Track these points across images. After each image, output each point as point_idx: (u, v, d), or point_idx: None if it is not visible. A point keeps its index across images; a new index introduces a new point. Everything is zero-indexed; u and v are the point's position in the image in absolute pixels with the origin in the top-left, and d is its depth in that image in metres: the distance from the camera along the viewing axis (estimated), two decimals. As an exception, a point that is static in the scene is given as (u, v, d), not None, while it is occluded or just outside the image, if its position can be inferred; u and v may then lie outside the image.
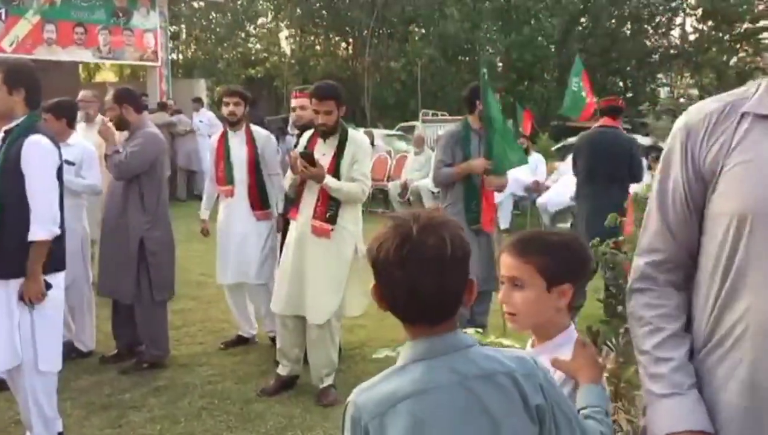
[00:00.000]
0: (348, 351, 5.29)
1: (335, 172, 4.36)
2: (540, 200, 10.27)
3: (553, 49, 26.38)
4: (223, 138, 5.31)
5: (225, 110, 5.27)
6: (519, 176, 10.93)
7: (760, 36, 30.07)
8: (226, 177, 5.24)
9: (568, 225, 8.63)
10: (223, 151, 5.26)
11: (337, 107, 4.38)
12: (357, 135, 4.61)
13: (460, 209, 5.05)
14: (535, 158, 11.42)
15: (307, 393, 4.55)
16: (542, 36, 25.85)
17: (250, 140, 5.23)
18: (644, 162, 9.88)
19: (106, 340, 5.33)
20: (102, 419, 4.20)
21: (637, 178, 5.75)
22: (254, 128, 5.33)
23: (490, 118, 5.06)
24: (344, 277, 4.44)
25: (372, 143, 11.63)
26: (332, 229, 4.36)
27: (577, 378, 1.72)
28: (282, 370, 4.62)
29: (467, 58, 27.81)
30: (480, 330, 2.60)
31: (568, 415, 1.47)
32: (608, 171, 5.71)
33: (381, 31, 28.76)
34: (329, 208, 4.36)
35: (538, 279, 1.73)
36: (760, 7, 28.89)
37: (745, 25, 29.79)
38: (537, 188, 10.76)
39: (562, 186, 10.32)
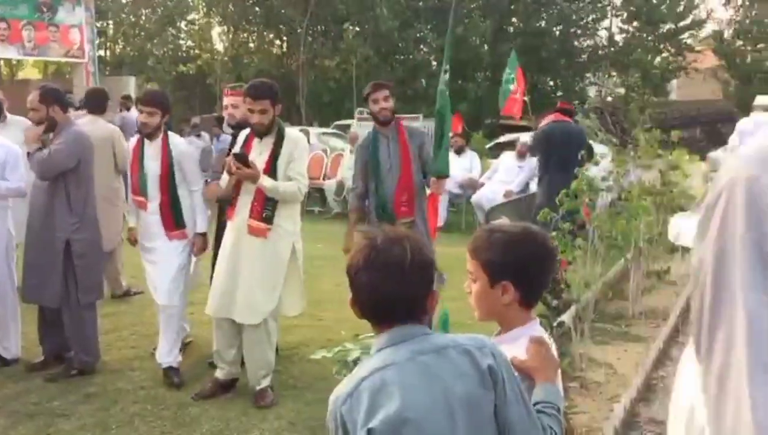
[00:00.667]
0: (285, 352, 5.23)
1: (272, 171, 4.31)
2: (474, 198, 10.40)
3: (485, 49, 26.80)
4: (139, 145, 4.79)
5: (139, 118, 4.79)
6: (454, 174, 11.07)
7: (681, 36, 31.26)
8: (140, 188, 4.76)
9: (503, 222, 8.77)
10: (137, 159, 4.76)
11: (273, 106, 4.32)
12: (294, 134, 4.57)
13: (390, 208, 4.93)
14: (470, 156, 11.57)
15: (244, 395, 4.48)
16: (475, 35, 26.22)
17: (166, 153, 4.68)
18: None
19: (31, 346, 5.13)
20: (28, 428, 4.03)
21: (592, 158, 6.30)
22: (173, 139, 4.79)
23: (443, 122, 4.96)
24: (281, 277, 4.40)
25: (307, 142, 11.54)
26: (269, 229, 4.31)
27: (533, 376, 1.75)
28: (219, 373, 4.54)
29: (402, 57, 27.96)
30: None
31: (514, 384, 1.57)
32: (562, 157, 6.41)
33: (315, 29, 28.62)
34: (266, 207, 4.31)
35: (483, 274, 1.82)
36: (680, 9, 30.04)
37: (668, 26, 30.92)
38: (472, 186, 10.89)
39: (496, 183, 10.50)
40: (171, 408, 4.32)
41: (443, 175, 4.87)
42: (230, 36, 31.37)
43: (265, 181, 4.26)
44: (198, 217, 4.81)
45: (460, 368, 1.54)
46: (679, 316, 5.88)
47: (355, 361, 2.67)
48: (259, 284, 4.33)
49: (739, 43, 31.65)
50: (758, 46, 31.14)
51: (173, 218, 4.73)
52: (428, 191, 5.04)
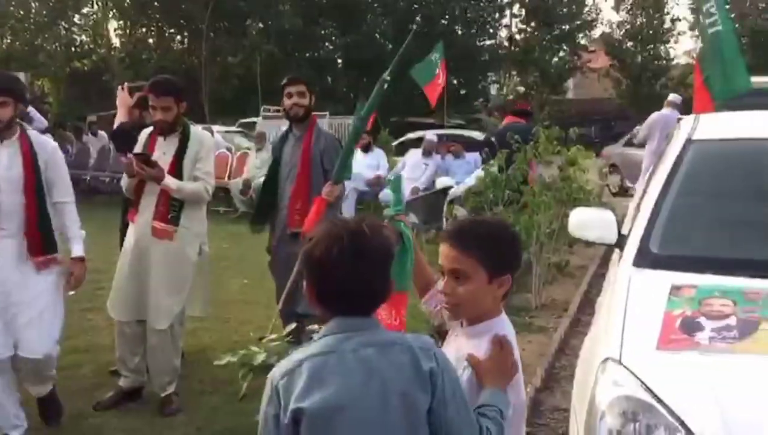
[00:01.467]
0: (192, 356, 5.09)
1: (177, 171, 4.18)
2: (382, 195, 10.45)
3: (390, 48, 27.00)
4: None
5: None
6: (361, 171, 11.10)
7: (576, 37, 32.56)
8: None
9: (410, 219, 8.85)
10: None
11: (177, 103, 4.19)
12: (200, 132, 4.44)
13: (285, 214, 4.61)
14: (377, 153, 11.62)
15: (149, 403, 4.33)
16: (379, 34, 26.39)
17: (29, 155, 3.68)
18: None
19: None
20: None
21: (495, 156, 6.95)
22: (35, 138, 3.79)
23: (360, 127, 4.43)
24: (188, 280, 4.28)
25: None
26: (175, 231, 4.18)
27: (484, 378, 1.76)
28: (123, 382, 4.36)
29: (307, 54, 27.79)
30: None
31: (455, 386, 1.60)
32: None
33: (218, 25, 28.04)
34: (171, 209, 4.17)
35: (481, 270, 1.81)
36: (574, 11, 31.26)
37: (563, 27, 32.14)
38: (379, 183, 10.94)
39: (404, 181, 10.58)
40: (69, 419, 4.11)
41: (340, 180, 4.40)
42: (127, 31, 30.28)
43: (170, 182, 4.13)
44: (73, 237, 3.87)
45: (400, 367, 1.56)
46: (579, 306, 6.11)
47: (261, 366, 2.62)
48: (166, 287, 4.19)
49: (630, 44, 33.25)
50: (648, 47, 32.83)
51: (41, 240, 3.71)
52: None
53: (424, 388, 1.55)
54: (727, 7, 6.20)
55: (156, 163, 4.11)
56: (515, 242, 1.92)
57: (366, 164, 11.29)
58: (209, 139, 4.48)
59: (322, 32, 27.69)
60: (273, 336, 2.93)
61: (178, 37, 30.78)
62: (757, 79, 10.60)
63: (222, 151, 13.13)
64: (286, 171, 4.64)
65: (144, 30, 30.69)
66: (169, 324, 4.20)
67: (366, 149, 11.47)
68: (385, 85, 3.91)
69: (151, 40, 30.64)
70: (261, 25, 27.55)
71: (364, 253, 1.57)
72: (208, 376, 4.69)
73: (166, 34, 30.57)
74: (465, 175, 10.22)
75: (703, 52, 6.55)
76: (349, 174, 4.54)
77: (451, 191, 9.27)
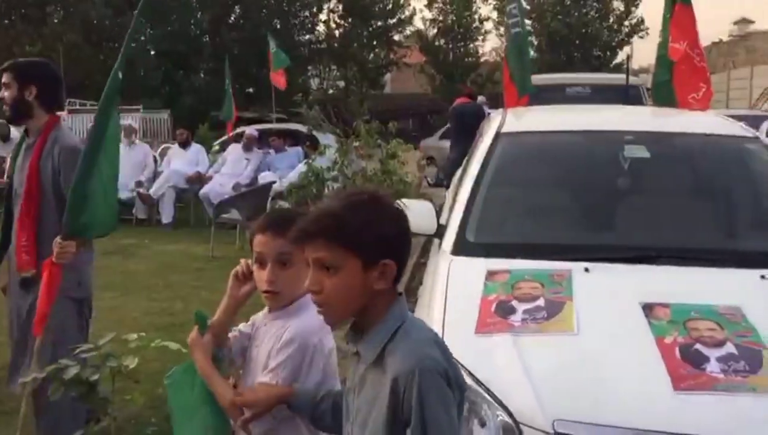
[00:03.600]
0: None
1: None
2: (202, 192, 10.11)
3: (206, 40, 26.22)
4: None
5: None
6: (179, 168, 10.67)
7: (391, 33, 33.49)
8: None
9: (233, 215, 8.64)
10: None
11: None
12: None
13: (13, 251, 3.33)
14: (195, 149, 11.21)
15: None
16: (194, 25, 25.52)
17: None
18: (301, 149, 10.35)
19: None
20: None
21: (317, 149, 7.42)
22: None
23: (96, 150, 2.93)
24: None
25: (8, 136, 10.37)
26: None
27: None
28: None
29: (116, 45, 26.22)
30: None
31: None
32: (467, 128, 7.74)
33: (13, 12, 25.70)
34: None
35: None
36: (389, 7, 32.15)
37: (379, 23, 32.94)
38: (200, 179, 10.57)
39: (224, 176, 10.31)
40: None
41: (75, 233, 2.95)
42: None
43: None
44: None
45: None
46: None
47: (75, 378, 2.41)
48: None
49: (442, 41, 34.76)
50: (459, 44, 34.50)
51: None
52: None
53: None
54: (527, 8, 6.73)
55: None
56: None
57: (185, 160, 10.87)
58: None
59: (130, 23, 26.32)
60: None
61: (-34, 24, 27.83)
62: (550, 76, 11.78)
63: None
64: (16, 193, 3.35)
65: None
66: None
67: (184, 145, 11.04)
68: (120, 75, 2.88)
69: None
70: (62, 12, 25.63)
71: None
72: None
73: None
74: (288, 169, 10.16)
75: (507, 50, 7.01)
76: (100, 230, 3.09)
77: (274, 186, 9.18)
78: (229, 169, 10.51)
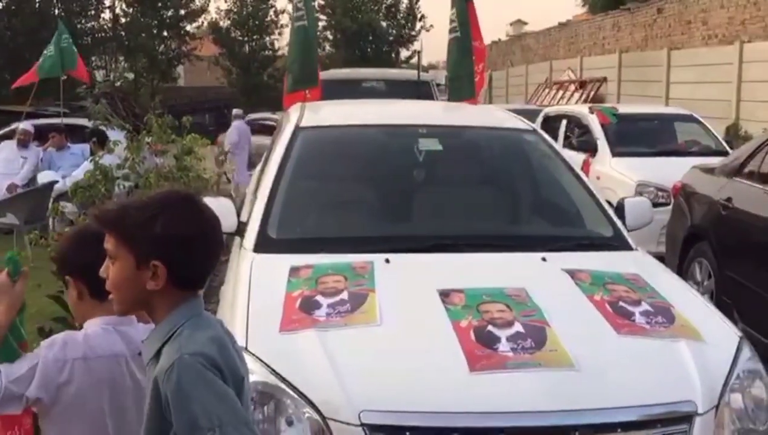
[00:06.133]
0: None
1: None
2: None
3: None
4: None
5: None
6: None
7: (182, 24, 32.25)
8: None
9: (8, 220, 7.84)
10: None
11: None
12: None
13: None
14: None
15: None
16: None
17: None
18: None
19: None
20: None
21: (105, 146, 6.60)
22: None
23: None
24: None
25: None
26: None
27: None
28: None
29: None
30: None
31: None
32: None
33: None
34: None
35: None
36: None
37: (170, 13, 31.55)
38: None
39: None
40: None
41: None
42: None
43: None
44: None
45: None
46: (204, 296, 6.08)
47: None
48: None
49: (238, 33, 34.08)
50: (254, 37, 34.02)
51: None
52: None
53: None
54: (314, 4, 6.95)
55: None
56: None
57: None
58: None
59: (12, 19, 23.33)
60: None
61: None
62: (346, 71, 12.15)
63: None
64: None
65: None
66: None
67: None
68: None
69: None
70: None
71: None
72: None
73: None
74: (72, 168, 9.40)
75: (290, 44, 7.07)
76: None
77: (57, 187, 8.47)
78: (3, 169, 9.52)
